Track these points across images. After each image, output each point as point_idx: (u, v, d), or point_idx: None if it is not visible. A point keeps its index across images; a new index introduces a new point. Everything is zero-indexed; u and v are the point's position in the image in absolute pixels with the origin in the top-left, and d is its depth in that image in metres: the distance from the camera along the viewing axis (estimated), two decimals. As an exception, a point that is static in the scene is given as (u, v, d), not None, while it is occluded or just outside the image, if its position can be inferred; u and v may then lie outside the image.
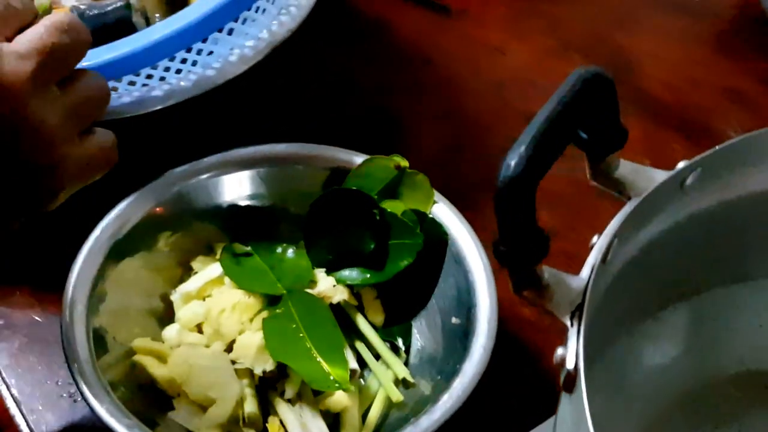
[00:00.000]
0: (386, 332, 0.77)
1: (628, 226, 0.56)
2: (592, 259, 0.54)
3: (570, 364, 0.50)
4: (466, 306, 0.73)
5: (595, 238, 0.55)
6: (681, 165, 0.58)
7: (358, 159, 0.79)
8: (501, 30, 1.06)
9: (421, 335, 0.77)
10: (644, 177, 0.58)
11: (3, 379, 0.76)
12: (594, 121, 0.55)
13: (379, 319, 0.77)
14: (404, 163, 0.77)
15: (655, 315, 0.66)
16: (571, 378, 0.50)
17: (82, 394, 0.67)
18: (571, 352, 0.50)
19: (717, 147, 0.59)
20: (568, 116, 0.51)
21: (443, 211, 0.77)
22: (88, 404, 0.67)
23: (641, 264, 0.59)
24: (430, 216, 0.76)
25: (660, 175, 0.58)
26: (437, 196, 0.77)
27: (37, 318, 0.79)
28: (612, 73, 1.00)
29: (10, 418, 0.75)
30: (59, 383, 0.76)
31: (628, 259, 0.58)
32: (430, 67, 1.01)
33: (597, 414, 0.63)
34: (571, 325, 0.52)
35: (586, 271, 0.53)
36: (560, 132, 0.51)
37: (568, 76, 0.52)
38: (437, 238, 0.76)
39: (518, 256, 0.52)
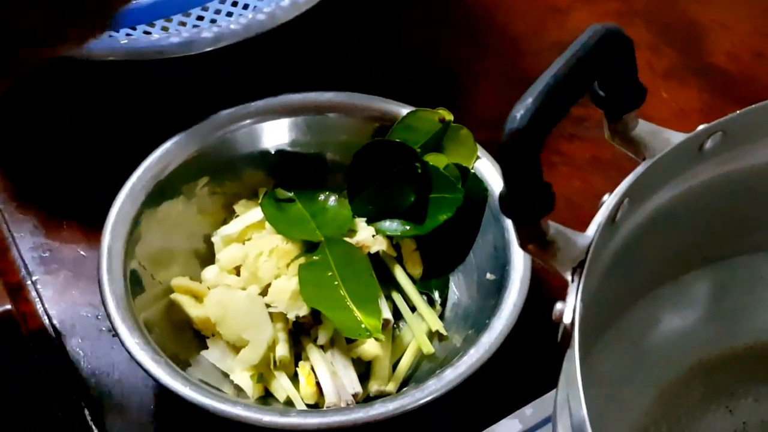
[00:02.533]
0: (424, 285, 0.76)
1: (640, 187, 0.54)
2: (600, 217, 0.52)
3: (567, 319, 0.49)
4: (501, 263, 0.73)
5: (605, 197, 0.53)
6: (701, 128, 0.56)
7: (404, 111, 0.78)
8: (566, -11, 1.04)
9: (458, 289, 0.77)
10: (661, 138, 0.56)
11: (45, 310, 0.77)
12: (611, 78, 0.54)
13: (417, 271, 0.76)
14: (449, 116, 0.76)
15: (676, 279, 0.65)
16: (567, 333, 0.49)
17: (113, 327, 0.68)
18: (569, 308, 0.49)
19: (739, 111, 0.56)
20: (579, 72, 0.49)
21: (486, 167, 0.76)
22: (119, 338, 0.67)
23: (658, 226, 0.58)
24: (473, 171, 0.75)
25: (677, 137, 0.56)
26: (481, 151, 0.76)
27: (82, 253, 0.80)
28: (676, 40, 0.99)
29: (50, 350, 0.75)
30: (99, 317, 0.76)
31: (642, 221, 0.57)
32: (491, 24, 0.99)
33: (611, 375, 0.62)
34: (572, 281, 0.50)
35: (592, 229, 0.52)
36: (570, 87, 0.49)
37: (583, 32, 0.50)
38: (478, 193, 0.75)
39: (522, 210, 0.50)
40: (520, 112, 0.48)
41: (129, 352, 0.67)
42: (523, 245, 0.52)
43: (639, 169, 0.55)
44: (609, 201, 0.53)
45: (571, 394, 0.50)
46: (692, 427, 0.66)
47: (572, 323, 0.49)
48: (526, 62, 0.97)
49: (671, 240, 0.60)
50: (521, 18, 1.01)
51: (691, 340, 0.67)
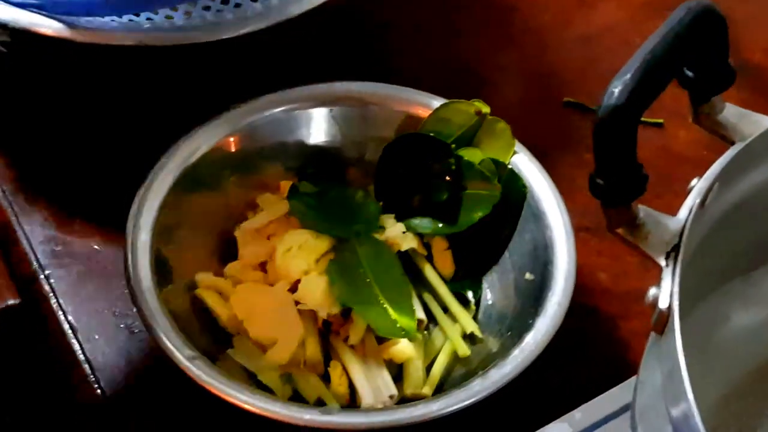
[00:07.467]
0: (455, 285, 0.78)
1: (729, 171, 0.56)
2: (691, 200, 0.54)
3: (663, 304, 0.50)
4: (542, 262, 0.75)
5: (694, 181, 0.55)
6: (793, 110, 0.58)
7: (436, 102, 0.80)
8: (595, -20, 1.07)
9: (492, 290, 0.78)
10: (750, 121, 0.57)
11: (60, 306, 0.78)
12: (701, 58, 0.55)
13: (448, 271, 0.78)
14: (486, 108, 0.78)
15: (747, 275, 0.66)
16: (663, 318, 0.50)
17: (144, 322, 0.69)
18: (665, 292, 0.50)
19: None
20: (675, 49, 0.51)
21: (523, 162, 0.78)
22: (151, 333, 0.69)
23: (739, 215, 0.59)
24: (509, 167, 0.77)
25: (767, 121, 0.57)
26: (518, 146, 0.78)
27: (96, 247, 0.81)
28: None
29: (66, 346, 0.77)
30: (116, 313, 0.78)
31: (725, 208, 0.58)
32: (515, 15, 1.02)
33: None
34: (666, 264, 0.52)
35: (683, 213, 0.54)
36: (666, 64, 0.51)
37: (677, 9, 0.52)
38: (515, 190, 0.77)
39: (614, 191, 0.52)
40: (618, 87, 0.49)
41: (160, 348, 0.68)
42: (611, 229, 0.53)
43: (729, 153, 0.56)
44: (700, 185, 0.55)
45: (668, 382, 0.52)
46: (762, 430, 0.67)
47: (670, 307, 0.50)
48: (551, 56, 1.00)
49: (748, 231, 0.62)
50: (547, 10, 1.03)
51: (760, 339, 0.68)
